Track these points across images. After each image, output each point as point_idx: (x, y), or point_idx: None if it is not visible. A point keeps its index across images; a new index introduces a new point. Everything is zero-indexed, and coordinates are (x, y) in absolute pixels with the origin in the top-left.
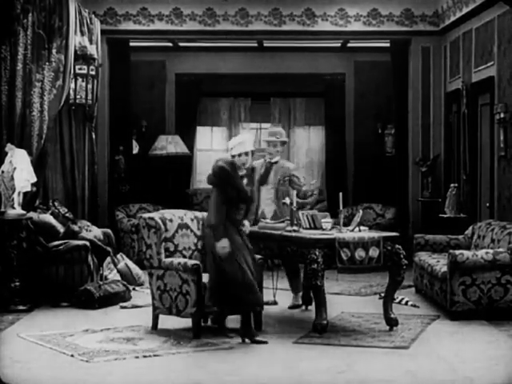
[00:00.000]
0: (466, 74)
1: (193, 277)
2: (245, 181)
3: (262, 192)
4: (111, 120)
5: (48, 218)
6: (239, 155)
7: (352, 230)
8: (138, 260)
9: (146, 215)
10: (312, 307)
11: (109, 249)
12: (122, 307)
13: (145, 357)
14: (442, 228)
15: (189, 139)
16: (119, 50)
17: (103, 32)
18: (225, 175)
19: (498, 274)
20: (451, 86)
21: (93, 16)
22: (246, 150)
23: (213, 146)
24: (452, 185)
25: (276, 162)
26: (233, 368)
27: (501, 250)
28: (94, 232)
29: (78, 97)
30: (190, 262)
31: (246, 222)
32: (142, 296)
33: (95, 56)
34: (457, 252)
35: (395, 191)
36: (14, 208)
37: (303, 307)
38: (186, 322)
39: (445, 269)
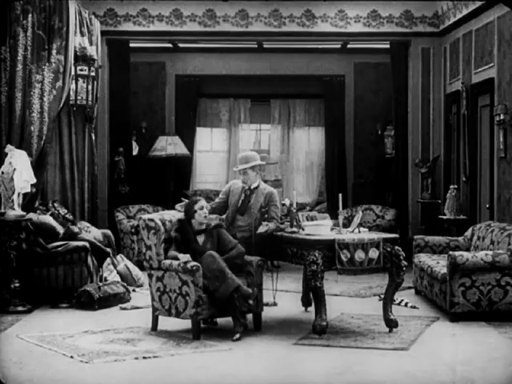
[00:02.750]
0: (466, 76)
1: (192, 278)
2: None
3: (237, 221)
4: (111, 121)
5: (48, 219)
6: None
7: (352, 232)
8: (138, 261)
9: (146, 216)
10: (312, 308)
11: (108, 250)
12: (122, 308)
13: (144, 358)
14: (442, 229)
15: (188, 140)
16: (119, 51)
17: (103, 33)
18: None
19: (498, 275)
20: (451, 87)
21: (93, 17)
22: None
23: (212, 147)
24: (452, 186)
25: (257, 187)
26: (232, 369)
27: (500, 251)
28: (93, 233)
29: (79, 98)
30: (190, 264)
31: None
32: (142, 297)
33: (95, 57)
34: (456, 253)
35: (395, 192)
36: (13, 209)
37: (303, 308)
38: (186, 324)
39: (444, 270)
